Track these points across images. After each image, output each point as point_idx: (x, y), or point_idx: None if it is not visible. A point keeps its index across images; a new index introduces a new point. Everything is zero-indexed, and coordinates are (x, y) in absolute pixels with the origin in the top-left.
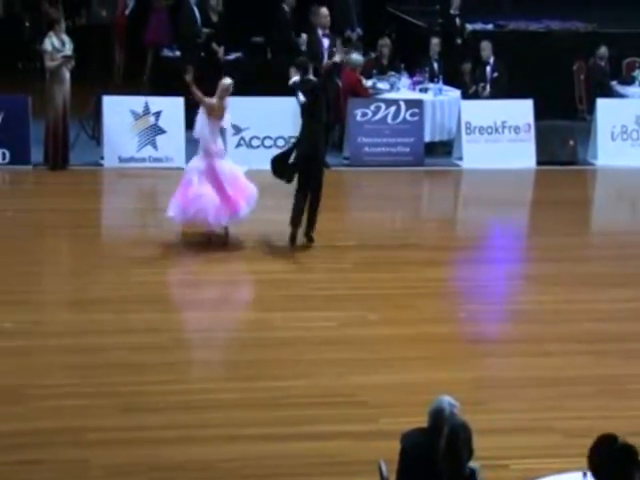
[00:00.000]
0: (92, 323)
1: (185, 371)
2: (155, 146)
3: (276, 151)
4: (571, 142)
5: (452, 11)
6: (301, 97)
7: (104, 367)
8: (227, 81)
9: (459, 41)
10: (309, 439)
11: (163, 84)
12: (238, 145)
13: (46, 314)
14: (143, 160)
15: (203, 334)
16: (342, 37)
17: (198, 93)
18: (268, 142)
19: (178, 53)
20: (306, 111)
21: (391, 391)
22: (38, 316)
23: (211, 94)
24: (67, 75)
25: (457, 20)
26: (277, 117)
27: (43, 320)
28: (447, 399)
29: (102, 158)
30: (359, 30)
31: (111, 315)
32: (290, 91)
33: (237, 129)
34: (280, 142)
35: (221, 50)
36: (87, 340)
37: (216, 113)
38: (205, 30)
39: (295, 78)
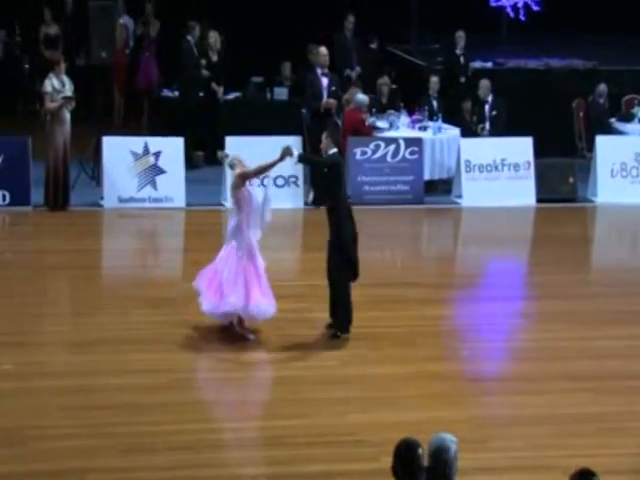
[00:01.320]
0: (92, 364)
1: (185, 411)
2: (155, 186)
3: (276, 190)
4: (571, 179)
5: (457, 51)
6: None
7: (104, 408)
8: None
9: (463, 79)
10: (309, 479)
11: (162, 124)
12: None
13: (46, 355)
14: (143, 200)
15: (203, 374)
16: (341, 76)
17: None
18: (266, 181)
19: (177, 93)
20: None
21: (391, 429)
22: (38, 357)
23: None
24: (67, 116)
25: (462, 59)
26: (276, 156)
27: (43, 361)
28: (447, 436)
29: (102, 198)
30: (358, 68)
31: (111, 356)
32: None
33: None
34: (280, 181)
35: (220, 90)
36: (86, 381)
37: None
38: (205, 72)
39: (333, 150)
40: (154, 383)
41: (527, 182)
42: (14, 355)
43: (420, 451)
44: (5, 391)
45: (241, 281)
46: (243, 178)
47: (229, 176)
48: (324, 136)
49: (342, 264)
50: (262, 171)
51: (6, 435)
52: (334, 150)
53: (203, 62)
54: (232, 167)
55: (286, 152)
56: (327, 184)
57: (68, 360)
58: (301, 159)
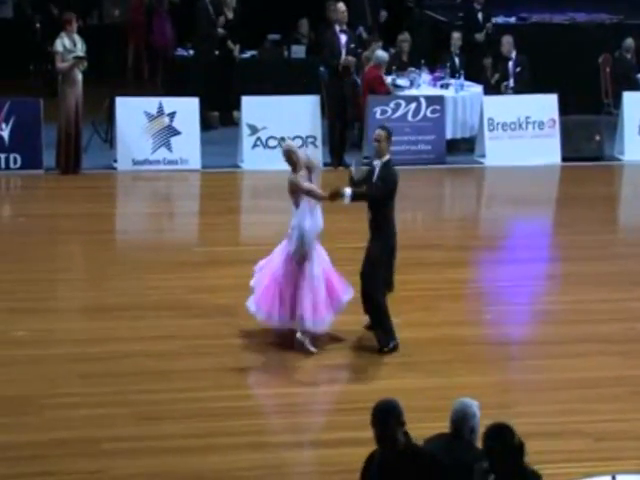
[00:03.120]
0: (107, 330)
1: (202, 378)
2: (170, 148)
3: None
4: (597, 137)
5: (476, 6)
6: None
7: (119, 375)
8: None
9: (481, 36)
10: (328, 446)
11: (177, 84)
12: (254, 146)
13: (60, 322)
14: (157, 162)
15: (220, 341)
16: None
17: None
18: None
19: (192, 52)
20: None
21: (414, 396)
22: (51, 324)
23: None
24: (79, 77)
25: (480, 14)
26: (294, 116)
27: (57, 328)
28: (470, 401)
29: (115, 161)
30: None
31: (126, 322)
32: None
33: (253, 129)
34: (297, 142)
35: (236, 48)
36: (101, 348)
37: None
38: (221, 30)
39: (387, 158)
40: (170, 350)
41: (552, 140)
42: (28, 322)
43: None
44: (20, 358)
45: (292, 294)
46: (295, 188)
47: (245, 138)
48: (381, 136)
49: (377, 276)
50: (309, 195)
51: (21, 403)
52: (387, 157)
53: (221, 19)
54: (288, 159)
55: (336, 195)
56: (378, 196)
57: (83, 327)
58: (354, 198)
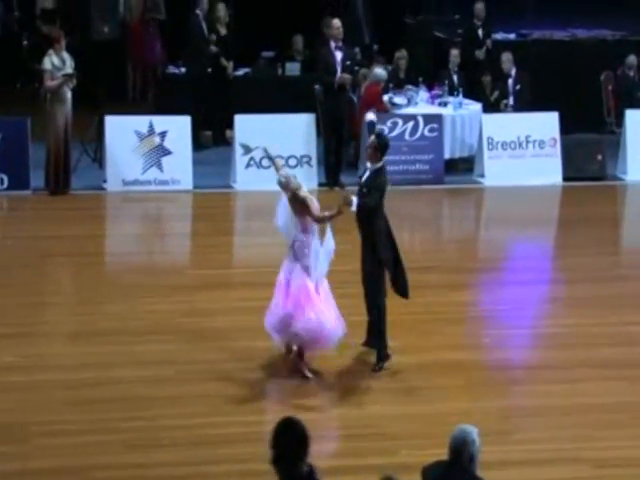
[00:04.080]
0: (96, 356)
1: (193, 405)
2: (161, 168)
3: (288, 171)
4: (599, 156)
5: (475, 21)
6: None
7: (109, 402)
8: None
9: (481, 53)
10: (325, 474)
11: (168, 102)
12: (248, 165)
13: (49, 347)
14: (148, 183)
15: (212, 366)
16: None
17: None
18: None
19: (184, 69)
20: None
21: (412, 422)
22: (40, 349)
23: (219, 113)
24: (68, 95)
25: (480, 31)
26: (289, 135)
27: (46, 353)
28: (469, 428)
29: (105, 181)
30: (375, 47)
31: (116, 347)
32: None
33: (246, 149)
34: (292, 161)
35: (230, 65)
36: (91, 374)
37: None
38: (213, 47)
39: (379, 164)
40: (161, 375)
41: (553, 160)
42: (16, 347)
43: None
44: (7, 385)
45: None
46: (305, 212)
47: (238, 158)
48: (371, 144)
49: (380, 284)
50: (322, 221)
51: (9, 431)
52: (380, 164)
53: (213, 37)
54: (282, 186)
55: (345, 200)
56: (370, 203)
57: (72, 352)
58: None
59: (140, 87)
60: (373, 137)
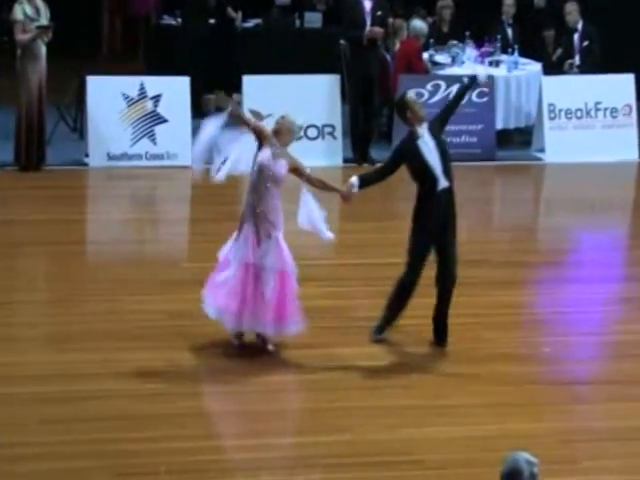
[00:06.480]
0: (76, 365)
1: (190, 425)
2: (154, 140)
3: (307, 144)
4: None
5: None
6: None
7: (90, 420)
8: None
9: (541, 1)
10: None
11: (163, 60)
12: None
13: (19, 354)
14: (139, 157)
15: (211, 378)
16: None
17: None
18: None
19: (181, 21)
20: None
21: (453, 447)
22: (9, 357)
23: (224, 72)
24: (43, 50)
25: None
26: (307, 100)
27: (15, 362)
28: (524, 456)
29: (87, 156)
30: None
31: (100, 355)
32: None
33: (257, 116)
34: (312, 132)
35: (238, 16)
36: (70, 387)
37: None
38: None
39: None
40: (152, 389)
41: (628, 131)
42: None
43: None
44: None
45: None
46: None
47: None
48: (412, 106)
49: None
50: (316, 185)
51: None
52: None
53: None
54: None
55: (348, 190)
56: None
57: (48, 360)
58: (363, 184)
59: (122, 39)
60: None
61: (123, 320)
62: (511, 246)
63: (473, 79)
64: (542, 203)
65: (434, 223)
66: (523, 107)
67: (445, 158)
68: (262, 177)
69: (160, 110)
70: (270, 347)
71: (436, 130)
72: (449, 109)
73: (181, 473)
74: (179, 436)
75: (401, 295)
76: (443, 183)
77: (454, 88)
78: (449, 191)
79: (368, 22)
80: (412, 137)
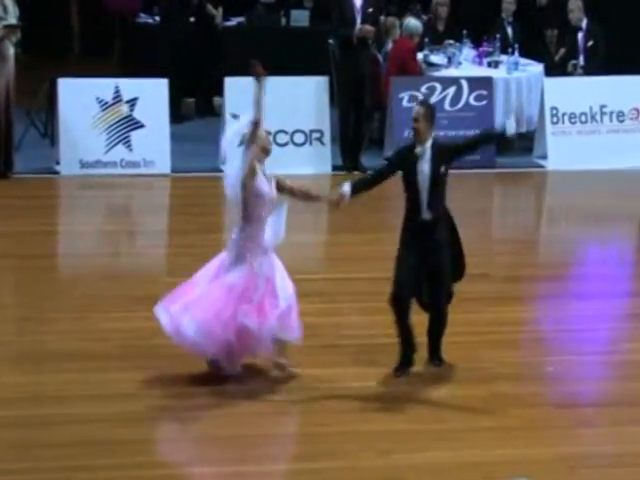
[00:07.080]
0: (47, 387)
1: (170, 452)
2: (129, 146)
3: (294, 150)
4: None
5: None
6: None
7: (63, 446)
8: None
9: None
10: None
11: (139, 61)
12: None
13: None
14: (113, 165)
15: (192, 401)
16: None
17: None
18: (281, 138)
19: (159, 19)
20: None
21: (452, 474)
22: None
23: (204, 74)
24: (11, 51)
25: None
26: (294, 104)
27: None
28: None
29: (58, 163)
30: None
31: (72, 375)
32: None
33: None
34: (299, 138)
35: (219, 14)
36: (43, 410)
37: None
38: None
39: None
40: (130, 412)
41: (635, 136)
42: None
43: None
44: None
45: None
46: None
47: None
48: (419, 113)
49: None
50: (298, 196)
51: None
52: (431, 140)
53: None
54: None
55: (340, 198)
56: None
57: (18, 381)
58: (355, 191)
59: (95, 38)
60: (418, 106)
61: (97, 339)
62: (511, 259)
63: (503, 132)
64: (544, 213)
65: (410, 244)
66: (524, 111)
67: (434, 191)
68: (262, 202)
69: (136, 114)
70: (275, 372)
71: (441, 158)
72: (468, 147)
73: None
74: (157, 464)
75: (394, 313)
76: (425, 215)
77: (451, 91)
78: (433, 223)
79: (358, 20)
80: (413, 155)
